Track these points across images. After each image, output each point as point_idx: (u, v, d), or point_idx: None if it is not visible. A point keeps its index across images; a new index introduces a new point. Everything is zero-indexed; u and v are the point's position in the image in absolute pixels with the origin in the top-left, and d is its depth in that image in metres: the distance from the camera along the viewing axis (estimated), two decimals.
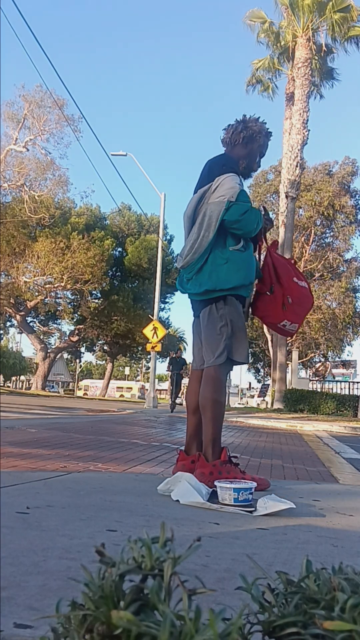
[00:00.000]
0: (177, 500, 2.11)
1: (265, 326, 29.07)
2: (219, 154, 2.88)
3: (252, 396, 49.50)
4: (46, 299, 31.14)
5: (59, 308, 32.69)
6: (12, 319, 35.44)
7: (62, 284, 27.78)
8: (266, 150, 2.90)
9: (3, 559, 1.16)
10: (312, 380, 25.76)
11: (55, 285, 28.26)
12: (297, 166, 20.00)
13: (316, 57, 20.69)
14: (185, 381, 14.34)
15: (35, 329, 35.61)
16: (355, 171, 31.17)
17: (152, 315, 18.14)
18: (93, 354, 54.65)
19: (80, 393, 53.54)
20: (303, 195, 28.03)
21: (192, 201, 2.73)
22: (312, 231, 30.14)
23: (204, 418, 2.57)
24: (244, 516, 1.98)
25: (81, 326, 35.07)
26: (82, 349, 49.28)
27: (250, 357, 2.92)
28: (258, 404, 37.40)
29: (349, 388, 21.79)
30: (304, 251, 30.12)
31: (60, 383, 70.93)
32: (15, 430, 5.40)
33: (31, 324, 35.63)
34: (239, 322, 2.66)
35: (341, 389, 21.82)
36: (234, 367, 2.87)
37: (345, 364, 41.41)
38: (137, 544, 0.59)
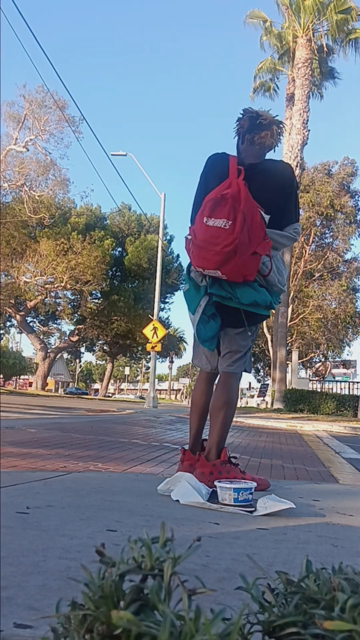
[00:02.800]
0: (177, 500, 2.11)
1: (265, 326, 29.17)
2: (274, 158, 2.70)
3: (252, 396, 49.47)
4: (46, 299, 31.16)
5: (59, 308, 32.71)
6: (12, 319, 35.46)
7: (62, 284, 27.81)
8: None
9: (3, 559, 1.16)
10: (312, 380, 25.76)
11: (55, 286, 28.28)
12: (297, 166, 20.00)
13: (316, 58, 20.71)
14: None
15: (35, 329, 35.63)
16: (355, 172, 31.21)
17: (152, 315, 18.14)
18: (93, 354, 54.73)
19: None
20: (302, 195, 28.04)
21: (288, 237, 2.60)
22: (312, 231, 30.15)
23: (215, 420, 2.57)
24: (244, 516, 1.98)
25: (81, 326, 35.08)
26: (82, 349, 49.31)
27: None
28: (258, 404, 37.39)
29: (349, 388, 21.80)
30: (304, 251, 30.13)
31: (60, 383, 71.02)
32: (15, 430, 5.40)
33: (31, 324, 35.65)
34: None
35: (341, 389, 21.82)
36: None
37: (345, 364, 41.44)
38: (137, 544, 0.59)
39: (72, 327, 36.53)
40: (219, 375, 2.72)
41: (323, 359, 37.47)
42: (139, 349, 39.23)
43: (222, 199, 2.42)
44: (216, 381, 2.78)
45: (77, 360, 77.39)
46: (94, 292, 32.55)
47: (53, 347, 36.38)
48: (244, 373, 2.79)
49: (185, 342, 71.81)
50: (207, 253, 2.40)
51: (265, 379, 41.91)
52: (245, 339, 2.64)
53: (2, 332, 40.74)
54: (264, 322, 29.14)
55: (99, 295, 33.75)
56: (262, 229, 2.41)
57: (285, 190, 2.58)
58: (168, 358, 74.34)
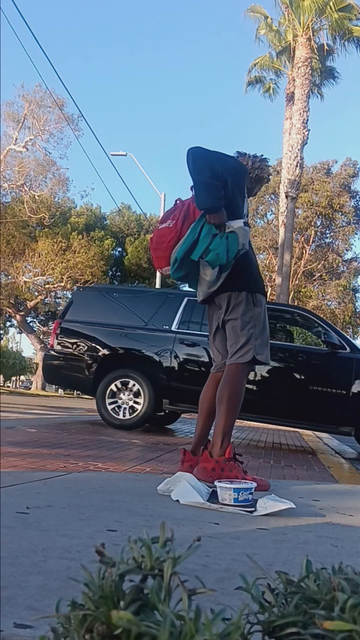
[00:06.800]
0: (177, 500, 2.11)
1: None
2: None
3: None
4: (46, 299, 31.15)
5: (59, 308, 32.67)
6: (12, 319, 35.44)
7: (62, 284, 27.81)
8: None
9: (3, 559, 1.16)
10: None
11: (55, 285, 28.28)
12: (297, 166, 19.98)
13: (316, 57, 20.71)
14: None
15: (35, 329, 35.59)
16: (357, 173, 31.18)
17: None
18: None
19: None
20: (301, 195, 28.03)
21: None
22: (312, 232, 30.16)
23: (219, 411, 2.54)
24: (244, 516, 1.98)
25: None
26: None
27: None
28: None
29: None
30: (304, 251, 30.13)
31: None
32: (15, 430, 5.39)
33: (31, 324, 35.61)
34: (265, 322, 2.68)
35: None
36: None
37: None
38: (137, 544, 0.59)
39: None
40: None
41: None
42: None
43: (173, 208, 2.77)
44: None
45: None
46: None
47: None
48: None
49: None
50: (159, 252, 2.70)
51: None
52: (235, 326, 2.62)
53: (2, 332, 40.74)
54: None
55: None
56: None
57: None
58: None
